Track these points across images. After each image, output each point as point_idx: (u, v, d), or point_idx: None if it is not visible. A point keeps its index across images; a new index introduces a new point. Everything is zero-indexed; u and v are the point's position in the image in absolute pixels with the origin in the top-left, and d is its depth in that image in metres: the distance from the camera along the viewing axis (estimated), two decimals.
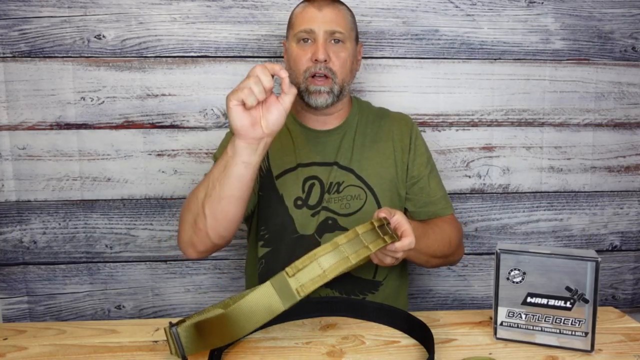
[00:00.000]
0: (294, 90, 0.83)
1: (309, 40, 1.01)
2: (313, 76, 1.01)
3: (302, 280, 0.65)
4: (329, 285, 1.02)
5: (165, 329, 0.71)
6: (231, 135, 1.11)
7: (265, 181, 1.06)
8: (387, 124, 1.12)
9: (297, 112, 1.11)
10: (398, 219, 0.81)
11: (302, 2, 1.07)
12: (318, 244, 1.04)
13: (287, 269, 0.65)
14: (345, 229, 1.03)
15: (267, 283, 0.65)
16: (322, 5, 1.02)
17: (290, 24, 1.06)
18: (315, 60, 0.99)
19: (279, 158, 1.07)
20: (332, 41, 1.01)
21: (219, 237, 0.90)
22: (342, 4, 1.07)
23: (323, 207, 1.04)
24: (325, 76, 1.01)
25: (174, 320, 0.72)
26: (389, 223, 0.78)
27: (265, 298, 0.65)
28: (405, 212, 1.11)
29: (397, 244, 0.79)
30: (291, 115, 1.12)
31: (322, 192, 1.05)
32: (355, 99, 1.16)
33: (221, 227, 0.88)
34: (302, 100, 1.04)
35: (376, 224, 0.74)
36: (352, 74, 1.07)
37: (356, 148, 1.08)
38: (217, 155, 1.08)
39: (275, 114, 0.82)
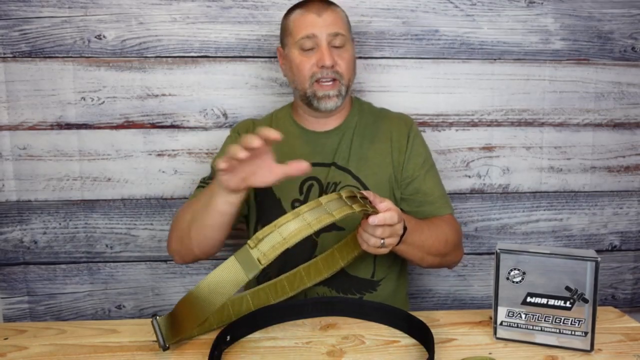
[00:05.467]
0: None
1: (313, 48, 1.01)
2: (317, 81, 1.01)
3: (263, 249, 0.67)
4: (326, 283, 1.02)
5: (151, 322, 0.73)
6: (231, 141, 1.11)
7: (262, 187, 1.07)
8: (386, 125, 1.11)
9: (296, 114, 1.12)
10: (387, 204, 0.80)
11: (295, 8, 1.06)
12: (316, 245, 1.04)
13: (249, 242, 0.68)
14: (342, 229, 1.03)
15: (231, 257, 0.68)
16: (320, 10, 1.02)
17: (287, 31, 1.05)
18: (322, 66, 1.00)
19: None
20: (333, 47, 1.02)
21: (203, 254, 0.98)
22: (337, 5, 1.07)
23: None
24: (333, 79, 1.02)
25: None
26: (364, 197, 0.78)
27: (229, 271, 0.68)
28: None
29: (380, 216, 0.78)
30: (290, 118, 1.12)
31: (320, 192, 1.05)
32: (356, 100, 1.16)
33: (206, 247, 0.96)
34: (308, 106, 1.05)
35: (344, 195, 0.74)
36: (355, 73, 1.08)
37: (354, 149, 1.08)
38: (213, 165, 1.08)
39: (260, 182, 0.82)
